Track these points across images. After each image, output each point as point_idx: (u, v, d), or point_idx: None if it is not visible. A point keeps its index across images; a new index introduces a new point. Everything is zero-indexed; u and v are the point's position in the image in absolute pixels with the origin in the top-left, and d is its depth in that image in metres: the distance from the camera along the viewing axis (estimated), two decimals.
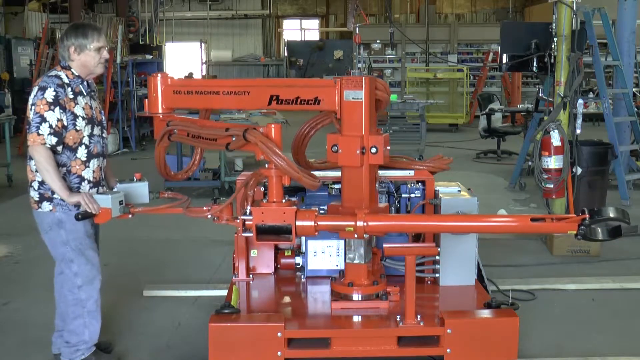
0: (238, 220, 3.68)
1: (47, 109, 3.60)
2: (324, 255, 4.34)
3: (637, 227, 6.47)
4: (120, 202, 3.74)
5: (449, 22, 24.09)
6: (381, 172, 4.28)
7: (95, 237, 4.02)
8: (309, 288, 4.28)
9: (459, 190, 4.41)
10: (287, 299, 4.23)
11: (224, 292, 4.35)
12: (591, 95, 11.93)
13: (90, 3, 19.33)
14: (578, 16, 6.54)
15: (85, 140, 3.77)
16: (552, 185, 6.26)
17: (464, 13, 25.82)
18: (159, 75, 4.04)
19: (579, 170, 6.49)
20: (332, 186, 4.40)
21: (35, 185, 3.75)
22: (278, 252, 4.49)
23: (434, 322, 3.71)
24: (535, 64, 7.40)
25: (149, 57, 15.57)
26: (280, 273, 4.48)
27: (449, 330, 3.61)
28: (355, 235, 3.65)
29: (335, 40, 25.18)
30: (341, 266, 4.24)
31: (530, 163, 6.90)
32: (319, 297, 4.16)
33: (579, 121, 6.37)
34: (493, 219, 3.97)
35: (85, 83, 3.84)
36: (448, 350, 3.62)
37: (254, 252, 4.43)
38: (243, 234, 3.73)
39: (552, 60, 6.75)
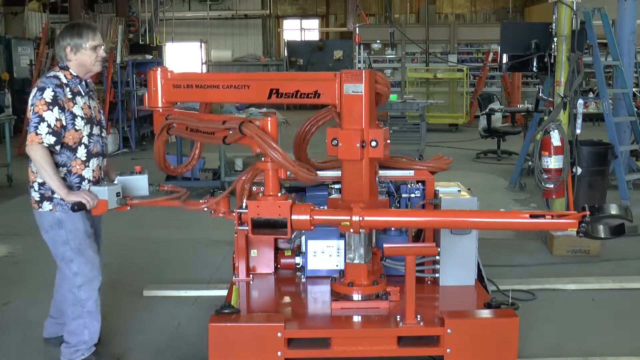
0: (234, 214, 3.69)
1: (45, 108, 3.62)
2: (324, 255, 4.34)
3: (637, 227, 6.48)
4: (118, 194, 3.76)
5: (449, 22, 24.07)
6: (381, 172, 4.29)
7: (97, 237, 4.03)
8: (309, 288, 4.28)
9: (459, 190, 4.41)
10: (287, 299, 4.23)
11: (224, 292, 4.35)
12: (591, 95, 11.92)
13: (90, 3, 19.32)
14: (578, 16, 6.54)
15: (85, 139, 3.78)
16: (552, 185, 6.26)
17: (464, 13, 25.80)
18: (159, 69, 4.05)
19: (579, 170, 6.49)
20: (332, 186, 4.40)
21: (36, 186, 3.77)
22: (278, 252, 4.49)
23: (434, 322, 3.71)
24: (535, 64, 7.41)
25: (149, 57, 15.57)
26: (280, 273, 4.48)
27: (449, 330, 3.61)
28: (351, 230, 3.64)
29: (336, 40, 25.16)
30: (341, 266, 4.24)
31: (530, 163, 6.90)
32: (319, 297, 4.16)
33: (579, 121, 6.37)
34: (491, 215, 3.89)
35: (83, 83, 3.85)
36: (448, 350, 3.62)
37: (254, 252, 4.43)
38: (239, 227, 3.72)
39: (552, 60, 6.75)
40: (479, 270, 4.35)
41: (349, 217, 3.60)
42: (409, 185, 4.39)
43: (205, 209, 3.89)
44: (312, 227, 3.68)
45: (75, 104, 3.75)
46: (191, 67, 24.08)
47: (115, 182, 3.91)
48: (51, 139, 3.62)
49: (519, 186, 9.04)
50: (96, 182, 3.87)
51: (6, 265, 6.04)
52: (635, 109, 8.26)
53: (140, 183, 3.97)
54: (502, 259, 5.89)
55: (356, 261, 3.91)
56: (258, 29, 25.82)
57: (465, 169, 10.58)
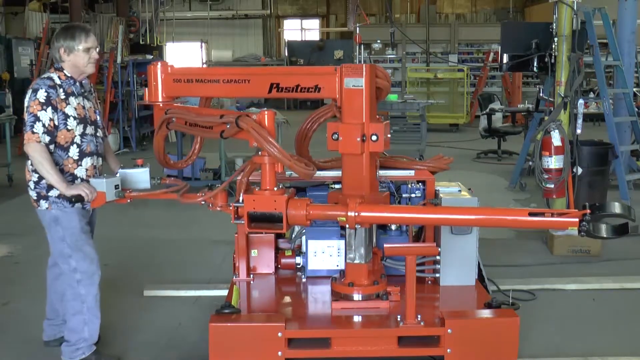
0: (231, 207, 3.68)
1: (39, 108, 3.69)
2: (324, 255, 4.34)
3: (638, 227, 6.47)
4: (116, 187, 3.78)
5: (450, 22, 24.07)
6: (382, 172, 4.28)
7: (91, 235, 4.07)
8: (310, 288, 4.28)
9: (460, 190, 4.41)
10: (287, 299, 4.23)
11: (225, 292, 4.35)
12: (592, 95, 11.91)
13: (90, 3, 19.31)
14: (578, 16, 6.54)
15: (77, 139, 3.83)
16: (552, 185, 6.26)
17: (465, 13, 25.81)
18: (159, 63, 4.06)
19: (580, 170, 6.48)
20: (333, 186, 4.39)
21: (32, 184, 3.85)
22: (278, 252, 4.49)
23: (434, 322, 3.71)
24: (535, 63, 7.41)
25: (149, 57, 15.57)
26: (280, 273, 4.48)
27: (449, 330, 3.61)
28: (347, 226, 3.63)
29: (336, 40, 25.18)
30: (341, 266, 4.24)
31: (530, 163, 6.89)
32: (319, 297, 4.15)
33: (580, 121, 6.37)
34: (489, 212, 3.82)
35: (77, 84, 3.91)
36: (448, 350, 3.62)
37: (254, 252, 4.43)
38: (235, 221, 3.72)
39: (553, 60, 6.75)
40: (480, 270, 4.35)
41: (344, 213, 3.57)
42: (409, 185, 4.39)
43: (203, 203, 3.89)
44: (308, 223, 3.66)
45: (68, 104, 3.80)
46: None
47: (117, 174, 3.92)
48: (46, 138, 3.70)
49: (519, 186, 9.03)
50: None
51: (6, 265, 6.04)
52: (636, 109, 8.25)
53: (141, 176, 3.99)
54: (502, 259, 5.89)
55: (357, 261, 3.91)
56: (258, 29, 25.83)
57: (466, 169, 10.57)
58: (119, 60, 13.27)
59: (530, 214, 3.48)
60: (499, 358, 3.67)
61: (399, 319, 3.70)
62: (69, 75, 3.86)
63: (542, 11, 18.70)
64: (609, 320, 4.69)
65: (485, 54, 19.19)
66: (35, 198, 3.84)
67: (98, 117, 4.03)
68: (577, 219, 3.39)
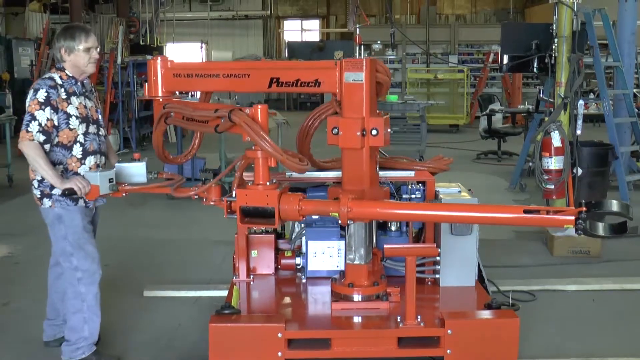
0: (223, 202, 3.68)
1: (37, 108, 3.72)
2: (324, 256, 4.33)
3: (637, 227, 6.48)
4: (110, 180, 3.78)
5: (450, 22, 24.09)
6: (382, 173, 4.28)
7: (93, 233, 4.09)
8: (310, 289, 4.27)
9: (460, 191, 4.41)
10: (287, 300, 4.23)
11: (225, 293, 4.35)
12: (592, 96, 11.94)
13: (91, 4, 19.32)
14: (579, 17, 6.54)
15: (80, 138, 3.86)
16: (552, 186, 6.26)
17: (465, 14, 25.81)
18: (159, 58, 4.07)
19: (580, 171, 6.48)
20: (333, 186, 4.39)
21: (36, 183, 3.87)
22: (278, 252, 4.49)
23: (434, 322, 3.71)
24: (535, 64, 7.41)
25: (149, 57, 15.51)
26: (280, 274, 4.47)
27: (449, 331, 3.61)
28: (339, 221, 3.61)
29: (336, 41, 25.17)
30: (341, 267, 4.24)
31: (530, 164, 6.89)
32: (319, 298, 4.15)
33: (580, 122, 6.37)
34: (483, 209, 3.67)
35: (79, 84, 3.93)
36: (448, 351, 3.62)
37: (254, 253, 4.43)
38: (228, 216, 3.71)
39: (553, 61, 6.75)
40: (480, 270, 4.34)
41: (337, 208, 3.55)
42: (409, 186, 4.39)
43: (196, 197, 3.89)
44: (300, 218, 3.63)
45: (70, 103, 3.83)
46: None
47: (114, 168, 3.93)
48: (41, 137, 3.71)
49: (519, 187, 9.03)
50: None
51: (6, 265, 6.04)
52: (636, 110, 8.26)
53: (138, 170, 4.00)
54: (502, 260, 5.89)
55: (357, 262, 3.91)
56: (259, 30, 25.83)
57: (466, 169, 10.57)
58: (119, 60, 13.26)
59: (525, 211, 3.40)
60: (499, 359, 3.67)
61: (398, 320, 3.70)
62: (70, 75, 3.89)
63: (542, 12, 18.72)
64: (609, 321, 4.69)
65: (485, 54, 19.21)
66: (38, 196, 3.86)
67: (100, 117, 4.07)
68: (572, 217, 3.30)
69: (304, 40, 25.68)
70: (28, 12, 18.95)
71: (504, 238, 6.64)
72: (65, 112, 3.79)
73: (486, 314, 3.79)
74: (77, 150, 3.85)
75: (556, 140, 6.19)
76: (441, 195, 4.28)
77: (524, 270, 5.74)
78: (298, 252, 4.45)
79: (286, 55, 23.59)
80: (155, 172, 4.10)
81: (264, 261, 4.44)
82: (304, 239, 4.38)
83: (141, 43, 17.38)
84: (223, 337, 3.63)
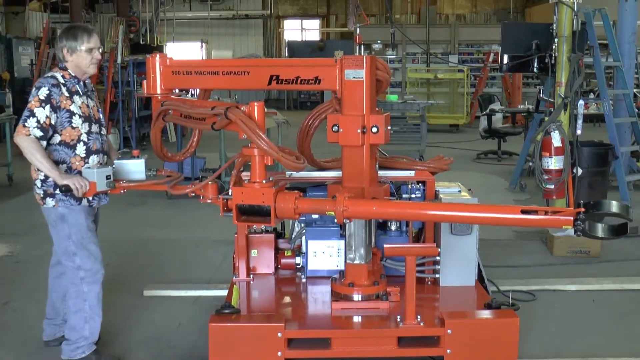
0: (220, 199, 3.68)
1: (37, 105, 3.71)
2: (324, 255, 4.33)
3: (637, 228, 6.47)
4: (108, 177, 3.77)
5: (450, 22, 24.10)
6: (382, 173, 4.28)
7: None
8: (309, 288, 4.27)
9: (460, 191, 4.41)
10: (287, 299, 4.23)
11: (224, 292, 4.34)
12: (592, 96, 11.93)
13: (91, 3, 19.33)
14: (579, 17, 6.54)
15: (84, 137, 3.86)
16: (552, 186, 6.26)
17: (465, 13, 25.81)
18: (158, 55, 4.05)
19: (580, 171, 6.48)
20: None
21: (39, 183, 3.85)
22: (278, 252, 4.49)
23: (434, 322, 3.71)
24: (535, 64, 7.41)
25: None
26: (280, 273, 4.48)
27: (449, 331, 3.61)
28: (335, 221, 3.61)
29: (336, 41, 25.16)
30: (341, 266, 4.24)
31: (530, 164, 6.89)
32: (319, 298, 4.15)
33: (580, 122, 6.37)
34: (480, 209, 3.63)
35: (81, 83, 3.94)
36: (448, 350, 3.62)
37: (254, 252, 4.43)
38: (224, 214, 3.70)
39: (553, 61, 6.75)
40: (479, 270, 4.34)
41: (333, 207, 3.54)
42: (409, 186, 4.39)
43: (193, 194, 3.88)
44: (296, 216, 3.62)
45: (73, 102, 3.83)
46: None
47: (114, 165, 3.93)
48: (37, 133, 3.69)
49: (519, 187, 9.03)
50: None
51: (6, 265, 6.04)
52: (636, 110, 8.26)
53: (137, 167, 3.98)
54: (502, 260, 5.89)
55: (357, 261, 3.91)
56: (259, 29, 25.84)
57: (466, 169, 10.58)
58: (119, 60, 13.26)
59: (523, 212, 3.37)
60: (498, 359, 3.67)
61: (398, 320, 3.70)
62: (72, 74, 3.89)
63: (543, 12, 18.71)
64: (609, 321, 4.69)
65: (485, 54, 19.20)
66: (41, 196, 3.84)
67: (101, 116, 4.07)
68: (570, 217, 3.27)
69: (304, 39, 25.67)
70: (28, 11, 18.97)
71: (504, 238, 6.63)
72: (68, 111, 3.78)
73: (486, 313, 3.79)
74: (80, 149, 3.85)
75: (556, 140, 6.19)
76: (441, 195, 4.28)
77: (524, 270, 5.74)
78: (298, 251, 4.45)
79: (286, 54, 23.59)
80: (154, 170, 4.10)
81: (263, 261, 4.44)
82: (303, 238, 4.38)
83: (141, 42, 17.38)
84: (223, 336, 3.63)
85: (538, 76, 13.07)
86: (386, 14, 23.87)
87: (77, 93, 3.87)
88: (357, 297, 3.91)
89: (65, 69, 3.88)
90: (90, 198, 3.87)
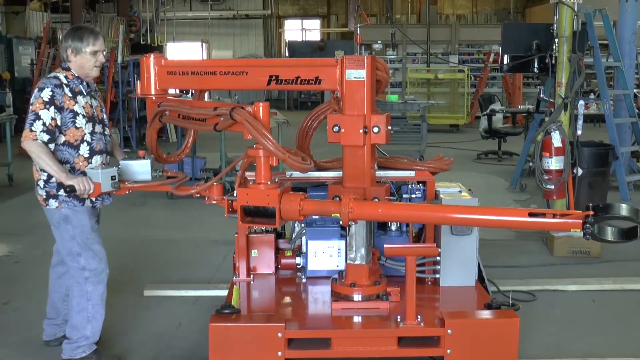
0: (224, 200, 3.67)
1: (42, 107, 3.69)
2: (324, 255, 4.33)
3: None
4: (112, 178, 3.76)
5: (450, 22, 24.08)
6: (382, 173, 4.28)
7: None
8: (310, 288, 4.27)
9: (460, 191, 4.41)
10: (287, 299, 4.22)
11: (225, 292, 4.34)
12: (592, 96, 11.92)
13: (91, 3, 19.33)
14: (579, 17, 6.54)
15: (87, 137, 3.85)
16: (553, 186, 6.25)
17: (465, 14, 25.81)
18: (152, 55, 4.02)
19: (580, 171, 6.48)
20: None
21: (41, 183, 3.84)
22: (279, 252, 4.49)
23: (434, 322, 3.71)
24: (536, 64, 7.41)
25: None
26: (280, 273, 4.47)
27: (449, 331, 3.61)
28: (340, 222, 3.59)
29: (337, 41, 25.16)
30: (342, 266, 4.24)
31: (531, 164, 6.89)
32: (319, 298, 4.15)
33: (580, 122, 6.37)
34: (487, 212, 3.60)
35: (85, 83, 3.93)
36: (448, 350, 3.62)
37: (254, 252, 4.42)
38: (229, 215, 3.69)
39: (553, 61, 6.75)
40: (480, 270, 4.34)
41: (338, 209, 3.52)
42: (409, 186, 4.39)
43: (197, 195, 3.87)
44: (301, 218, 3.60)
45: (77, 102, 3.81)
46: None
47: (119, 165, 3.93)
48: (44, 137, 3.68)
49: (519, 187, 9.03)
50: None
51: (6, 265, 6.04)
52: (636, 110, 8.26)
53: (142, 168, 3.97)
54: (502, 260, 5.89)
55: (357, 262, 3.90)
56: (259, 29, 25.84)
57: (466, 169, 10.58)
58: (119, 60, 13.28)
59: (531, 215, 3.37)
60: (499, 359, 3.67)
61: (399, 320, 3.70)
62: (76, 75, 3.87)
63: (543, 12, 18.71)
64: (609, 322, 4.69)
65: (485, 54, 19.20)
66: (44, 197, 3.83)
67: (104, 116, 4.07)
68: (579, 221, 3.24)
69: (304, 39, 25.67)
70: (28, 11, 18.97)
71: (504, 238, 6.63)
72: (72, 111, 3.77)
73: (486, 314, 3.79)
74: (84, 150, 3.84)
75: (556, 140, 6.18)
76: (441, 195, 4.28)
77: (524, 270, 5.74)
78: (298, 251, 4.44)
79: (287, 54, 23.59)
80: (160, 170, 4.09)
81: (264, 261, 4.44)
82: (304, 238, 4.38)
83: (142, 42, 17.38)
84: (223, 336, 3.63)
85: (538, 76, 13.08)
86: (386, 14, 23.88)
87: (80, 93, 3.85)
88: (357, 297, 3.91)
89: (68, 69, 3.87)
90: (94, 199, 3.86)
